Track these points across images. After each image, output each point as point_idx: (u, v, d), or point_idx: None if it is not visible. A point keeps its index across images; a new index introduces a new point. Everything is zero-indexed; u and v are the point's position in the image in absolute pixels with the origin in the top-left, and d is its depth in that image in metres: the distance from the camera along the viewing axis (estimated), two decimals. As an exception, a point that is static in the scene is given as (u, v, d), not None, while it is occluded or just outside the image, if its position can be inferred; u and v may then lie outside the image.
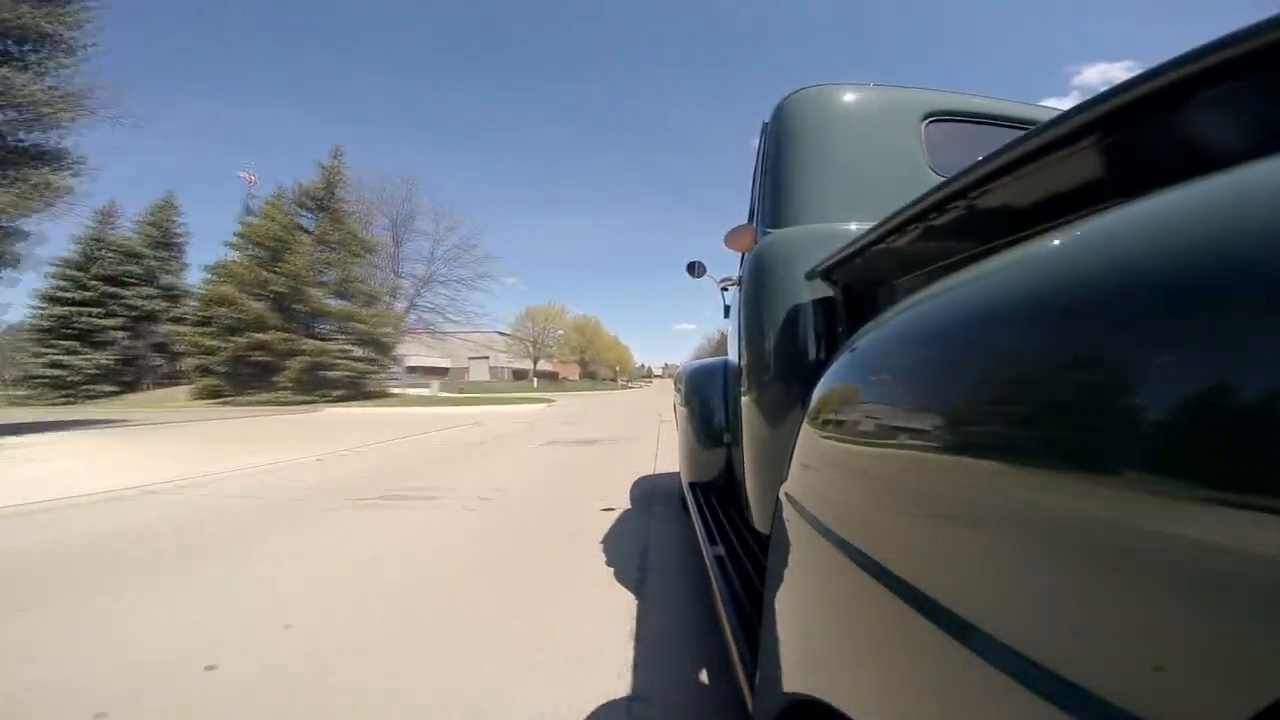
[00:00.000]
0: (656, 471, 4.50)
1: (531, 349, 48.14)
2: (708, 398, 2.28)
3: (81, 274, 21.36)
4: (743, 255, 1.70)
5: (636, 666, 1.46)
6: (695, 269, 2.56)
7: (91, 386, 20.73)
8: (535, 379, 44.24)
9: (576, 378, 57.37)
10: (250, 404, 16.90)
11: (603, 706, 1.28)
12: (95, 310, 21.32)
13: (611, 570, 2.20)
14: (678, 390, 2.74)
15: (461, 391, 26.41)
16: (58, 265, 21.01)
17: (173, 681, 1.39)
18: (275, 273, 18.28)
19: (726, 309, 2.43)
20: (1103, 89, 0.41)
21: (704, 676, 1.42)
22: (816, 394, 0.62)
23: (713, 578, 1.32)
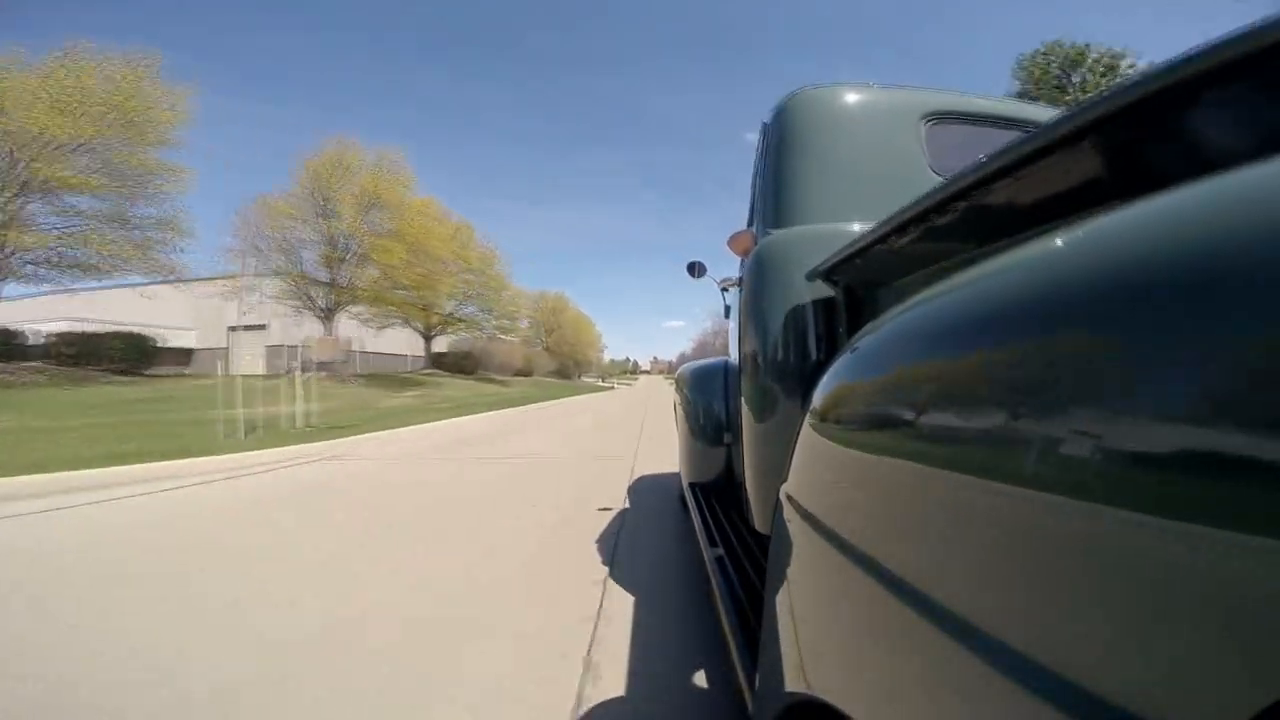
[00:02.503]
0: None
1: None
2: (708, 398, 2.28)
3: None
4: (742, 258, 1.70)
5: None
6: (696, 269, 2.56)
7: None
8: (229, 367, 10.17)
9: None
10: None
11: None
12: None
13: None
14: (678, 391, 2.74)
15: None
16: None
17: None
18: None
19: (727, 309, 2.43)
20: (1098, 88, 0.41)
21: (701, 679, 1.42)
22: (817, 394, 0.62)
23: (713, 578, 1.32)
